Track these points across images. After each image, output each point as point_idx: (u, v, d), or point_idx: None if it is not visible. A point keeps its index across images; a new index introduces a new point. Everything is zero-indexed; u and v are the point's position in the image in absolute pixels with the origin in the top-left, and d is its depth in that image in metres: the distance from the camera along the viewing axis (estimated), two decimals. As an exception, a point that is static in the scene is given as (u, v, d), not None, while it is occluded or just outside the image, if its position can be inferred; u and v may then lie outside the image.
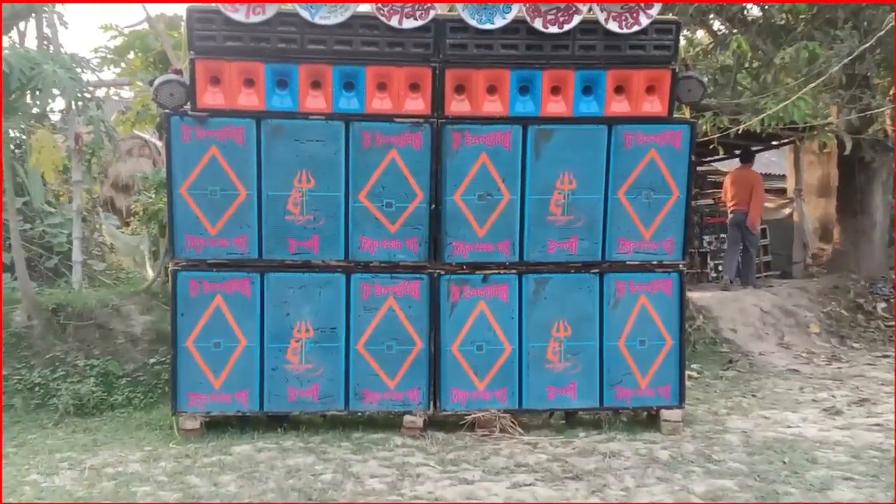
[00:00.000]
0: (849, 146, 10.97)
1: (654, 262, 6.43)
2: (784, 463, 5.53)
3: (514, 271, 6.34)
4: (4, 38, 8.12)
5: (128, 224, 14.06)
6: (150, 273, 9.91)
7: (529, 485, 5.12)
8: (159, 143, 13.72)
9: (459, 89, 6.14)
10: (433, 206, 6.21)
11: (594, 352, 6.41)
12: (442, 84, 6.06)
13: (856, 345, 10.74)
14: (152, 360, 7.40)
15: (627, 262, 6.40)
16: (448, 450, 5.88)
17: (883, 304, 11.71)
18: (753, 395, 7.86)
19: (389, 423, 6.38)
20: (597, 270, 6.38)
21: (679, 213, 6.37)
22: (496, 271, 6.33)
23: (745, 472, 5.34)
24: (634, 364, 6.43)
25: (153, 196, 9.22)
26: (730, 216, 12.03)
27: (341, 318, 6.24)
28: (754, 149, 12.81)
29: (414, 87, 6.10)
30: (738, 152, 13.15)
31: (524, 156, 6.20)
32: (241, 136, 6.01)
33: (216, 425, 6.26)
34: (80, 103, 6.99)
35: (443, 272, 6.28)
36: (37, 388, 6.90)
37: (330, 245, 6.19)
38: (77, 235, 8.29)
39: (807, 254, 13.67)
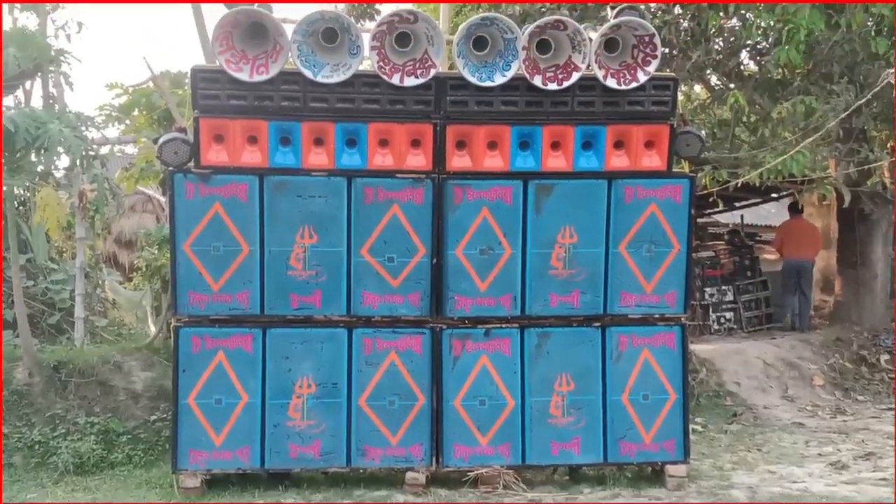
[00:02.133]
0: (847, 199, 11.02)
1: (657, 316, 6.43)
2: (793, 518, 5.48)
3: (515, 325, 6.34)
4: (10, 98, 8.25)
5: (130, 279, 14.08)
6: (153, 328, 9.89)
7: (533, 542, 5.06)
8: (163, 199, 13.80)
9: (460, 145, 6.20)
10: (435, 260, 6.23)
11: (597, 406, 6.38)
12: (443, 140, 6.13)
13: (860, 397, 10.65)
14: (153, 417, 7.34)
15: (629, 316, 6.41)
16: (454, 508, 5.83)
17: (886, 356, 11.65)
18: (759, 450, 7.79)
19: (391, 479, 6.32)
20: (599, 324, 6.38)
21: (680, 266, 6.39)
22: (498, 325, 6.33)
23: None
24: (638, 418, 6.39)
25: (156, 252, 9.25)
26: (786, 263, 12.67)
27: (343, 373, 6.22)
28: (753, 201, 12.95)
29: (415, 144, 6.16)
30: (737, 205, 13.24)
31: (525, 210, 6.25)
32: (244, 192, 6.05)
33: (216, 483, 6.20)
34: (84, 161, 7.06)
35: (445, 326, 6.28)
36: (37, 447, 6.83)
37: (332, 300, 6.20)
38: (80, 292, 8.31)
39: (810, 306, 13.65)
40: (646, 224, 6.31)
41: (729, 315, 12.77)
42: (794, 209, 13.04)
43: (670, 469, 6.34)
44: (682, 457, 6.42)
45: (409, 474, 6.20)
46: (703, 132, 6.54)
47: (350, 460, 6.23)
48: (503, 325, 6.33)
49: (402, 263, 6.22)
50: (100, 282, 11.53)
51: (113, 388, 7.51)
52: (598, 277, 6.35)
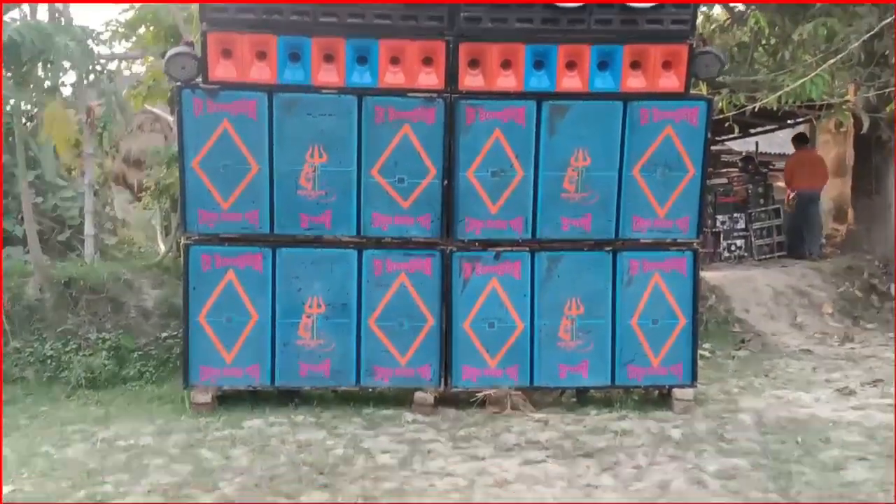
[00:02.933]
0: (866, 125, 10.83)
1: (669, 241, 6.38)
2: (797, 443, 5.51)
3: (526, 248, 6.30)
4: (16, 12, 8.09)
5: (139, 199, 14.07)
6: (162, 248, 9.93)
7: (541, 462, 5.11)
8: (171, 118, 13.67)
9: (473, 64, 6.07)
10: (446, 182, 6.17)
11: (606, 330, 6.38)
12: (455, 58, 6.00)
13: (869, 325, 10.63)
14: (164, 335, 7.40)
15: (641, 240, 6.36)
16: (459, 426, 5.88)
17: (896, 285, 11.61)
18: (766, 375, 7.82)
19: (400, 399, 6.37)
20: (610, 248, 6.34)
21: (694, 190, 6.31)
22: (509, 248, 6.29)
23: (757, 451, 5.32)
24: (647, 343, 6.40)
25: (165, 170, 9.21)
26: (799, 195, 12.49)
27: (353, 293, 6.22)
28: (770, 127, 12.76)
29: (427, 62, 6.04)
30: (752, 131, 13.05)
31: (538, 132, 6.15)
32: (253, 109, 5.97)
33: (227, 400, 6.27)
34: (91, 76, 6.96)
35: (455, 249, 6.25)
36: (49, 361, 6.91)
37: (342, 220, 6.16)
38: (89, 209, 8.29)
39: (821, 234, 13.56)
40: (661, 147, 6.21)
41: (740, 243, 12.70)
42: (802, 140, 12.92)
43: (677, 392, 6.37)
44: (690, 380, 6.44)
45: (417, 394, 6.25)
46: (722, 53, 6.33)
47: (359, 379, 6.28)
48: (514, 249, 6.30)
49: (412, 184, 6.16)
50: (109, 200, 11.53)
51: (124, 306, 7.56)
52: (611, 201, 6.28)
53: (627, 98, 6.13)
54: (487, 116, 6.10)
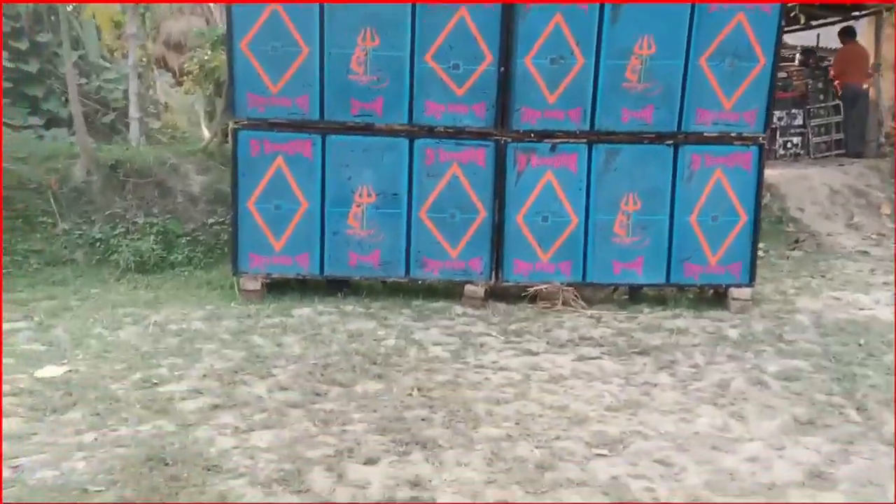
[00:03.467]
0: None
1: (734, 134, 6.12)
2: (860, 345, 5.37)
3: (584, 140, 6.09)
4: None
5: (180, 83, 13.90)
6: (206, 133, 9.81)
7: (595, 358, 5.04)
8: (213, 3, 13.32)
9: (534, -57, 5.75)
10: (502, 69, 5.93)
11: (664, 226, 6.21)
12: (517, -64, 5.68)
13: (929, 228, 10.33)
14: (211, 221, 7.38)
15: (705, 134, 6.11)
16: (510, 321, 5.82)
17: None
18: (822, 276, 7.63)
19: (450, 292, 6.31)
20: (672, 142, 6.11)
21: (764, 82, 6.03)
22: (565, 140, 6.08)
23: (818, 352, 5.20)
24: (705, 240, 6.23)
25: (209, 54, 9.00)
26: (848, 88, 12.12)
27: (403, 183, 6.09)
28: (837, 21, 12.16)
29: (486, -60, 5.72)
30: (814, 23, 12.43)
31: (601, 17, 5.86)
32: (304, -11, 5.74)
33: (276, 287, 6.25)
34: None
35: (510, 139, 6.06)
36: (97, 244, 6.92)
37: (394, 108, 5.98)
38: (134, 92, 8.16)
39: (881, 132, 13.09)
40: (731, 35, 5.91)
41: (796, 140, 12.29)
42: (849, 34, 12.31)
43: (734, 292, 6.23)
44: (748, 280, 6.29)
45: (467, 287, 6.18)
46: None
47: (409, 271, 6.21)
48: (570, 140, 6.09)
49: (468, 71, 5.93)
50: (151, 83, 11.38)
51: (171, 190, 7.52)
52: (675, 92, 6.02)
53: (698, -18, 5.80)
54: (548, -1, 5.81)
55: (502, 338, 5.40)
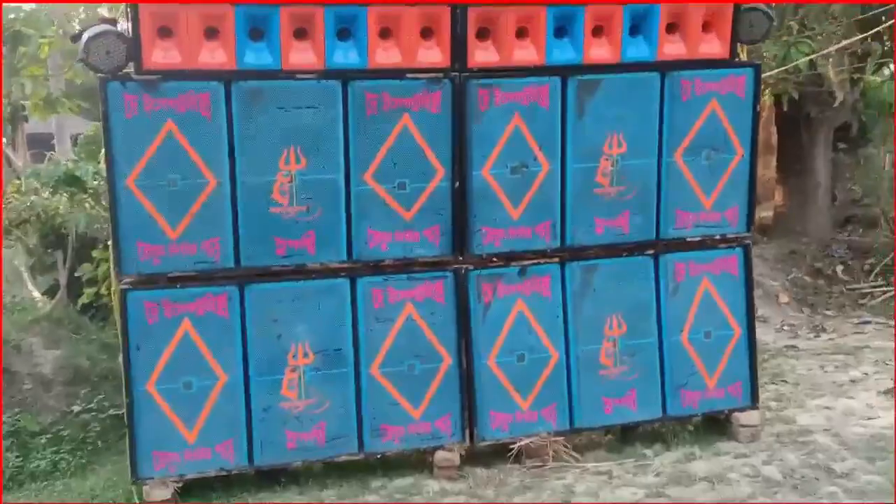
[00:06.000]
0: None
1: (717, 237, 5.44)
2: (922, 468, 4.67)
3: (556, 259, 5.20)
4: None
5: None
6: (35, 293, 8.24)
7: (657, 537, 4.02)
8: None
9: (483, 33, 4.92)
10: (457, 183, 4.98)
11: (653, 350, 5.38)
12: (463, 27, 4.82)
13: (828, 312, 10.20)
14: (75, 408, 5.83)
15: (686, 239, 5.39)
16: (508, 493, 4.74)
17: (841, 267, 11.29)
18: (784, 381, 7.02)
19: (415, 461, 5.13)
20: (652, 251, 5.34)
21: (743, 175, 5.42)
22: (535, 261, 5.17)
23: (888, 487, 4.43)
24: (700, 361, 5.45)
25: (38, 197, 7.58)
26: None
27: (348, 335, 4.93)
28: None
29: (427, 33, 4.82)
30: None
31: (564, 115, 5.07)
32: (206, 104, 4.57)
33: (192, 488, 4.83)
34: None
35: (471, 267, 5.08)
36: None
37: (329, 242, 4.86)
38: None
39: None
40: (705, 125, 5.27)
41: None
42: None
43: (741, 417, 5.45)
44: (750, 401, 5.54)
45: (439, 454, 5.03)
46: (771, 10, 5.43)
47: (363, 444, 4.99)
48: (541, 261, 5.18)
49: (416, 190, 4.93)
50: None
51: (16, 376, 5.93)
52: (650, 194, 5.28)
53: (665, 68, 5.15)
54: (504, 99, 4.95)
55: (521, 523, 4.29)
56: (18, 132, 11.24)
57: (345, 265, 4.91)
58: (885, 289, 10.54)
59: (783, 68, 9.60)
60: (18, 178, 9.29)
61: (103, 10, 5.87)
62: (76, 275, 7.11)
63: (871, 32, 7.90)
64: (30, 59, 7.49)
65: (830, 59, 9.56)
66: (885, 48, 10.41)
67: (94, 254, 6.99)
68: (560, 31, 5.00)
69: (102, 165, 6.89)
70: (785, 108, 10.88)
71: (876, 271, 10.89)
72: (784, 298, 10.38)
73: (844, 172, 12.45)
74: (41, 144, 12.46)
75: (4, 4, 7.78)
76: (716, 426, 5.55)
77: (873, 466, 4.76)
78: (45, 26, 7.78)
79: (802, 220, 12.30)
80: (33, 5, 8.07)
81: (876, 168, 11.51)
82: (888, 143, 11.70)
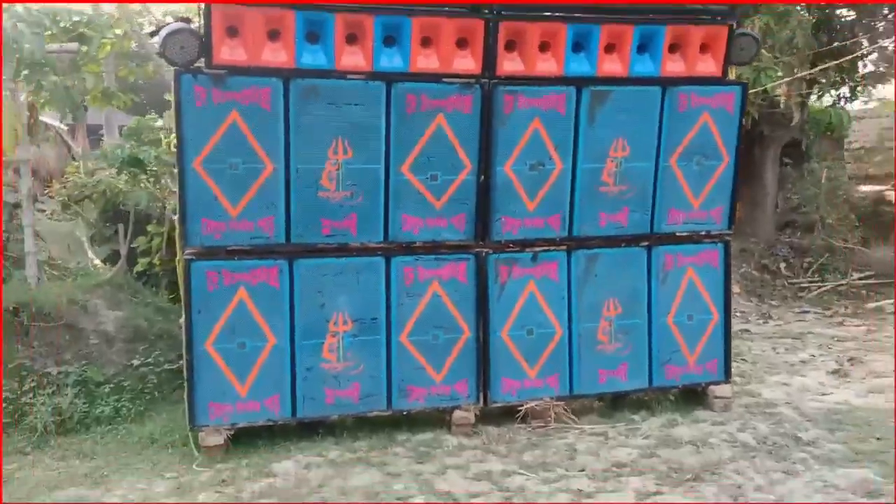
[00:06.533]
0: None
1: (703, 233, 5.32)
2: (878, 439, 4.58)
3: (564, 248, 5.07)
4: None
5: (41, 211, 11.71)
6: (96, 261, 8.00)
7: (655, 493, 3.90)
8: (60, 125, 11.28)
9: (510, 45, 4.76)
10: (482, 177, 4.83)
11: (643, 330, 5.26)
12: (494, 39, 4.66)
13: (773, 302, 10.16)
14: (135, 362, 5.64)
15: (676, 234, 5.26)
16: (517, 449, 4.60)
17: (784, 264, 11.26)
18: (744, 360, 6.94)
19: (434, 419, 4.99)
20: (646, 243, 5.22)
21: (727, 179, 5.29)
22: (546, 248, 5.04)
23: (851, 455, 4.33)
24: (683, 340, 5.33)
25: (101, 175, 7.33)
26: None
27: (382, 306, 4.79)
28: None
29: (462, 43, 4.67)
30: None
31: (577, 120, 4.92)
32: (267, 98, 4.41)
33: (240, 436, 4.67)
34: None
35: (490, 251, 4.94)
36: (6, 404, 5.02)
37: (368, 225, 4.71)
38: (29, 223, 6.29)
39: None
40: (698, 135, 5.15)
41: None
42: None
43: (716, 390, 5.35)
44: (724, 377, 5.43)
45: (456, 413, 4.91)
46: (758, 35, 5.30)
47: (391, 402, 4.85)
48: (551, 248, 5.05)
49: (446, 182, 4.79)
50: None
51: (82, 332, 5.72)
52: (647, 193, 5.15)
53: (666, 83, 5.01)
54: (527, 104, 4.81)
55: (533, 476, 4.16)
56: (81, 122, 10.94)
57: (381, 245, 4.76)
58: (820, 284, 10.53)
59: (753, 91, 9.51)
60: (76, 161, 9.05)
61: (168, 18, 5.62)
62: (132, 246, 6.88)
63: (830, 64, 7.76)
64: (90, 57, 7.22)
65: (790, 86, 9.44)
66: (832, 79, 10.38)
67: (149, 228, 6.78)
68: (577, 47, 4.85)
69: (161, 149, 6.76)
70: (748, 127, 10.74)
71: (813, 269, 10.90)
72: (736, 289, 10.26)
73: (788, 183, 12.34)
74: (92, 134, 12.19)
75: (71, 6, 7.53)
76: (693, 397, 5.44)
77: (834, 437, 4.67)
78: (106, 29, 7.51)
79: (752, 224, 12.24)
80: (89, 6, 7.78)
81: (815, 180, 11.43)
82: (827, 159, 11.65)
